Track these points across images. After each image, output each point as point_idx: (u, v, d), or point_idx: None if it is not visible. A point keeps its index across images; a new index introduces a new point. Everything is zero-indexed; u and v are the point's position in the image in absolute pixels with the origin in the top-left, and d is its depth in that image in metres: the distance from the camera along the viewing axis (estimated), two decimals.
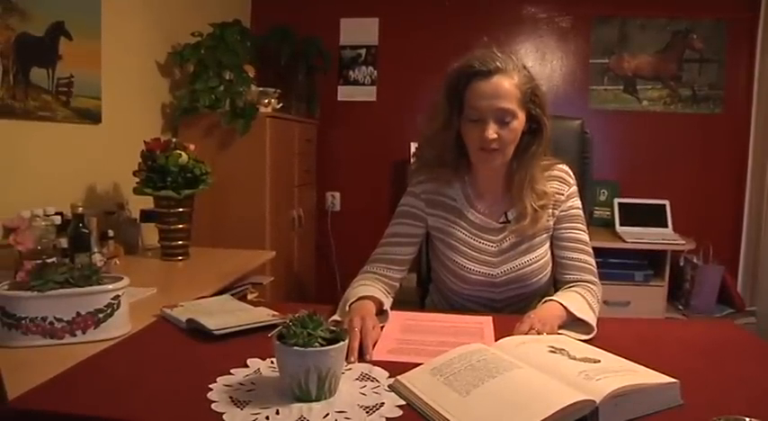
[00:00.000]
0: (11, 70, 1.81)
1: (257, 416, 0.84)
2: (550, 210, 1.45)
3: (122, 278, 1.25)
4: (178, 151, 2.03)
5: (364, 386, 0.96)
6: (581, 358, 1.00)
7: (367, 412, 0.86)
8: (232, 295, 1.53)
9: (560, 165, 1.48)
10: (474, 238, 1.46)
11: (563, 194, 1.46)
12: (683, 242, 3.01)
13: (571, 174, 1.48)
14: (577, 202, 1.48)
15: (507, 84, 1.33)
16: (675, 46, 3.36)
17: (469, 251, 1.46)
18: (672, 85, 3.38)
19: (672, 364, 0.98)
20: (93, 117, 2.19)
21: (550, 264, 1.49)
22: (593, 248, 1.47)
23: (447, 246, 1.48)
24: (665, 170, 3.41)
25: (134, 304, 1.35)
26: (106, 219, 2.11)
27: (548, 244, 1.48)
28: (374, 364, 1.04)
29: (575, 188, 1.48)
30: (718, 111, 3.37)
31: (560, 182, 1.46)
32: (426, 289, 1.76)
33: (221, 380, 0.96)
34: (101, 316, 1.20)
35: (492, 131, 1.33)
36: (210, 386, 0.93)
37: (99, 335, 1.19)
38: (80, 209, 1.65)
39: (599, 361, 0.99)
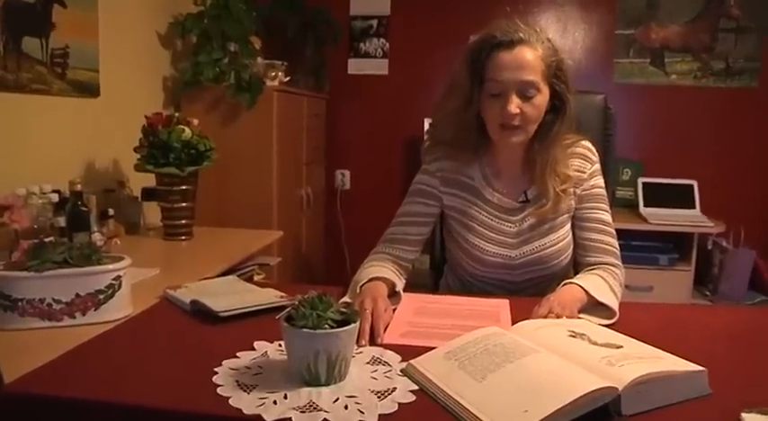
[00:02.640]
0: (0, 39, 1.79)
1: (265, 400, 0.85)
2: (572, 190, 1.44)
3: (123, 258, 1.25)
4: (181, 126, 2.03)
5: (375, 370, 0.96)
6: (602, 343, 0.99)
7: (378, 397, 0.87)
8: (238, 276, 1.54)
9: (583, 142, 1.46)
10: (491, 218, 1.46)
11: (585, 172, 1.44)
12: (712, 224, 2.98)
13: (594, 151, 1.47)
14: (600, 181, 1.47)
15: (531, 55, 1.32)
16: (709, 14, 3.28)
17: (487, 232, 1.46)
18: (703, 58, 3.32)
19: (699, 352, 0.97)
20: (90, 90, 2.19)
21: (571, 246, 1.48)
22: (616, 230, 1.46)
23: (463, 226, 1.48)
24: (694, 148, 3.37)
25: (136, 285, 1.36)
26: (106, 197, 2.12)
27: (568, 225, 1.47)
28: (386, 348, 1.05)
29: (598, 166, 1.47)
30: (754, 85, 3.30)
31: (582, 159, 1.45)
32: (440, 270, 1.76)
33: (227, 363, 0.97)
34: (101, 297, 1.21)
35: (514, 106, 1.31)
36: (216, 369, 0.94)
37: (99, 317, 1.20)
38: (78, 186, 1.66)
39: (621, 346, 0.98)
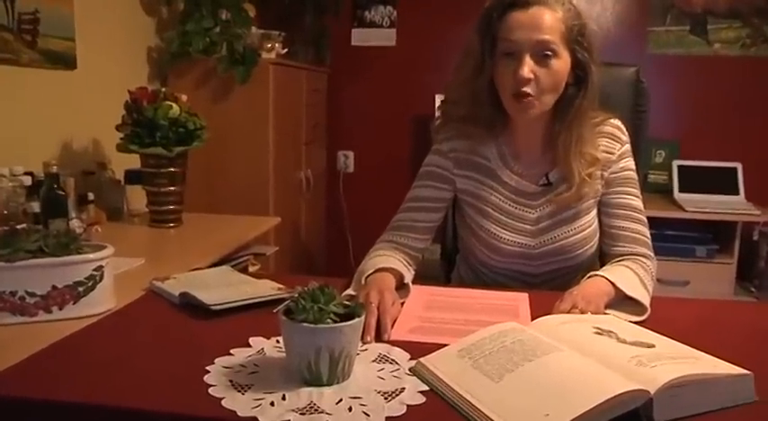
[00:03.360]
0: None
1: (261, 401, 0.85)
2: (599, 172, 1.44)
3: (105, 247, 1.26)
4: (168, 102, 2.03)
5: (382, 369, 0.97)
6: (632, 342, 1.00)
7: (385, 398, 0.87)
8: (231, 267, 1.54)
9: (611, 120, 1.46)
10: (509, 204, 1.46)
11: (613, 154, 1.44)
12: (758, 212, 2.95)
13: (624, 129, 1.46)
14: (630, 163, 1.46)
15: (549, 16, 1.31)
16: None
17: (504, 218, 1.46)
18: (754, 23, 3.23)
19: (742, 354, 0.95)
20: (65, 61, 2.19)
21: (597, 235, 1.48)
22: (647, 218, 1.46)
23: (478, 211, 1.48)
24: (738, 127, 3.33)
25: (119, 276, 1.37)
26: (85, 180, 2.13)
27: (594, 211, 1.47)
28: (393, 345, 1.05)
29: (628, 146, 1.46)
30: None
31: (611, 139, 1.44)
32: (452, 261, 1.77)
33: (220, 361, 0.97)
34: (81, 289, 1.21)
35: (527, 69, 1.30)
36: (208, 368, 0.95)
37: (79, 311, 1.21)
38: (54, 168, 1.66)
39: (653, 345, 0.98)
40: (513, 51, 1.32)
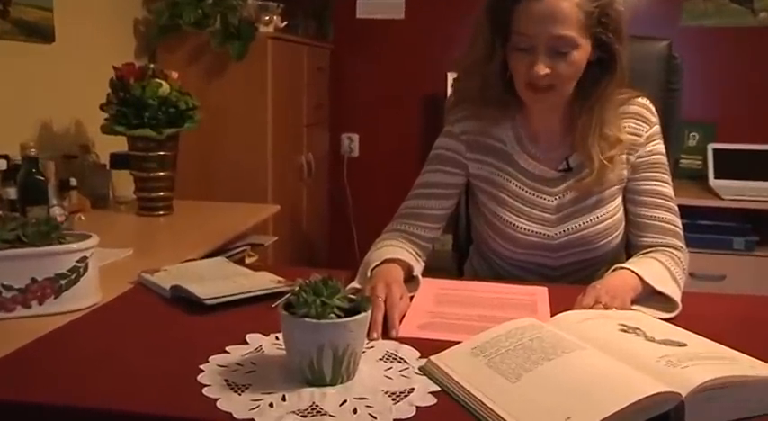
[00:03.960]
0: None
1: (259, 402, 0.86)
2: (624, 156, 1.43)
3: (90, 236, 1.26)
4: (157, 80, 2.03)
5: (390, 368, 0.97)
6: (661, 340, 0.99)
7: (393, 399, 0.88)
8: (227, 258, 1.55)
9: (639, 99, 1.45)
10: (527, 190, 1.46)
11: (641, 136, 1.44)
12: None
13: (653, 110, 1.46)
14: (660, 146, 1.46)
15: (566, 4, 1.29)
16: None
17: (521, 206, 1.46)
18: None
19: None
20: (42, 34, 2.18)
21: (623, 224, 1.48)
22: (679, 206, 1.45)
23: (493, 199, 1.48)
24: None
25: (105, 268, 1.38)
26: (67, 164, 2.14)
27: (619, 198, 1.47)
28: (402, 342, 1.06)
29: (657, 128, 1.46)
30: None
31: (638, 120, 1.44)
32: (465, 252, 1.77)
33: (215, 359, 0.98)
34: (63, 283, 1.21)
35: (543, 66, 1.30)
36: (202, 367, 0.95)
37: (61, 306, 1.21)
38: (33, 151, 1.67)
39: (685, 344, 0.98)
40: (526, 47, 1.31)
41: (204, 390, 0.89)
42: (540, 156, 1.46)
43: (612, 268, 1.31)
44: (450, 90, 1.59)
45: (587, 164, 1.41)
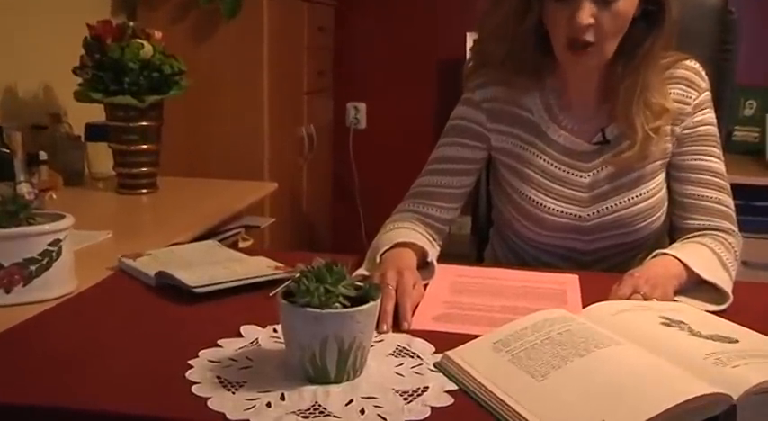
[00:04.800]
0: None
1: (255, 402, 0.86)
2: (669, 127, 1.43)
3: (63, 216, 1.26)
4: (138, 40, 2.03)
5: (401, 364, 0.97)
6: (709, 335, 0.99)
7: (405, 399, 0.88)
8: (219, 242, 1.55)
9: (687, 62, 1.44)
10: (557, 166, 1.45)
11: (688, 104, 1.43)
12: None
13: (703, 74, 1.45)
14: (710, 116, 1.45)
15: None
16: None
17: (550, 183, 1.46)
18: None
19: None
20: None
21: (665, 204, 1.48)
22: (731, 185, 1.45)
23: (517, 175, 1.48)
24: None
25: (81, 253, 1.37)
26: (35, 135, 2.14)
27: (662, 175, 1.47)
28: (415, 335, 1.06)
29: (707, 95, 1.45)
30: None
31: (686, 85, 1.43)
32: (486, 236, 1.77)
33: (205, 354, 0.98)
34: (33, 268, 1.21)
35: (586, 14, 1.29)
36: (191, 362, 0.95)
37: (31, 295, 1.21)
38: None
39: (736, 341, 0.98)
40: None
41: (194, 388, 0.89)
42: (572, 126, 1.46)
43: (653, 254, 1.31)
44: (469, 53, 1.58)
45: (628, 135, 1.40)
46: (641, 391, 0.83)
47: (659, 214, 1.47)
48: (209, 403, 0.85)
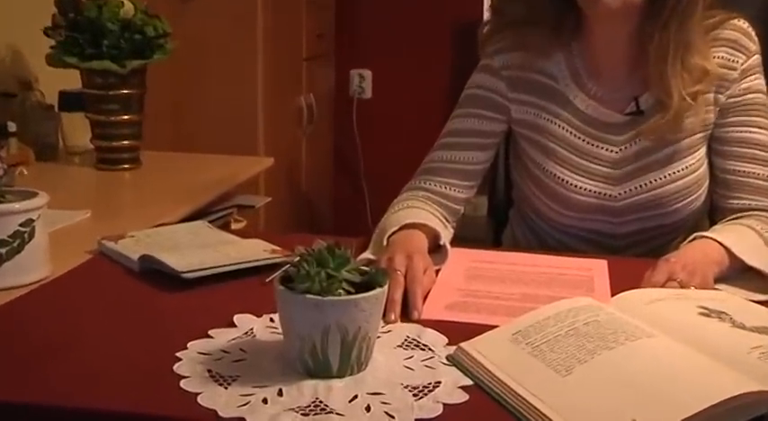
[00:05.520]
0: None
1: (250, 397, 0.86)
2: (712, 95, 1.42)
3: (37, 194, 1.25)
4: None
5: (411, 357, 0.97)
6: (753, 327, 1.00)
7: (415, 395, 0.88)
8: (209, 222, 1.56)
9: (734, 22, 1.44)
10: (584, 139, 1.46)
11: (735, 69, 1.42)
12: None
13: (753, 35, 1.44)
14: (759, 82, 1.45)
15: None
16: None
17: (576, 158, 1.46)
18: None
19: None
20: None
21: (706, 182, 1.48)
22: None
23: (540, 150, 1.48)
24: None
25: (57, 234, 1.38)
26: (3, 104, 2.14)
27: (703, 149, 1.46)
28: (426, 325, 1.06)
29: (757, 58, 1.44)
30: None
31: (732, 48, 1.43)
32: (504, 217, 1.78)
33: (195, 345, 0.99)
34: (3, 251, 1.21)
35: None
36: (178, 354, 0.96)
37: (1, 281, 1.21)
38: None
39: None
40: None
41: (182, 383, 0.89)
42: (601, 95, 1.45)
43: (691, 237, 1.31)
44: (486, 14, 1.58)
45: (664, 102, 1.40)
46: (677, 389, 0.84)
47: (699, 193, 1.47)
48: (199, 399, 0.86)
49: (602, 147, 1.45)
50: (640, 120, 1.44)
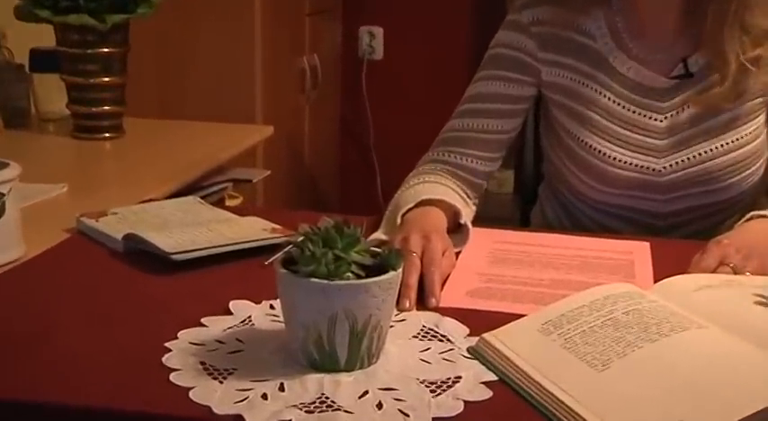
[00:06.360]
0: None
1: (248, 393, 0.87)
2: None
3: (7, 164, 1.26)
4: None
5: (428, 348, 0.98)
6: None
7: (433, 391, 0.88)
8: (201, 198, 1.56)
9: None
10: (625, 105, 1.46)
11: None
12: None
13: None
14: None
15: None
16: None
17: (616, 127, 1.46)
18: None
19: None
20: None
21: (765, 154, 1.48)
22: None
23: (575, 117, 1.48)
24: None
25: (30, 210, 1.39)
26: None
27: (762, 118, 1.47)
28: (445, 313, 1.07)
29: None
30: None
31: None
32: (532, 194, 1.78)
33: (186, 335, 0.99)
34: None
35: None
36: (168, 345, 0.97)
37: None
38: None
39: None
40: None
41: (172, 377, 0.90)
42: (645, 56, 1.45)
43: (747, 216, 1.31)
44: None
45: (718, 66, 1.40)
46: (730, 386, 0.84)
47: (756, 167, 1.47)
48: (191, 394, 0.86)
49: (646, 115, 1.45)
50: (689, 83, 1.44)
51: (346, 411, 0.84)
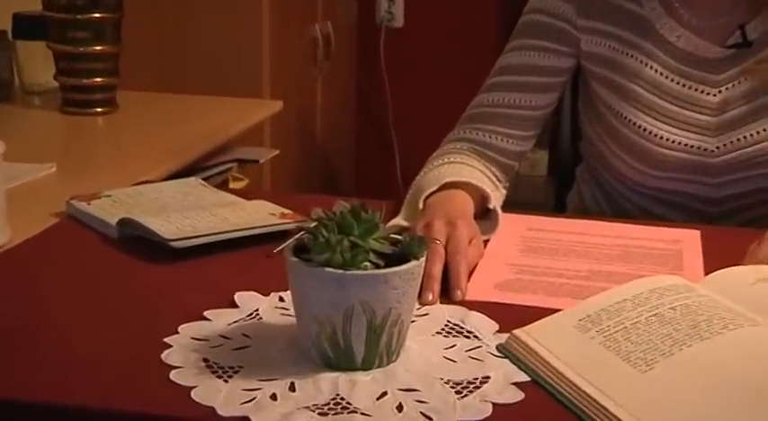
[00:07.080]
0: None
1: (256, 393, 0.87)
2: None
3: None
4: None
5: (453, 346, 0.99)
6: None
7: (458, 393, 0.89)
8: (203, 180, 1.57)
9: None
10: (674, 78, 1.46)
11: None
12: None
13: None
14: None
15: None
16: None
17: (663, 103, 1.46)
18: None
19: None
20: None
21: None
22: None
23: (618, 92, 1.48)
24: None
25: (15, 192, 1.40)
26: None
27: None
28: (471, 307, 1.07)
29: None
30: None
31: None
32: (569, 177, 1.79)
33: (187, 329, 1.00)
34: None
35: None
36: (168, 340, 0.97)
37: None
38: None
39: None
40: None
41: (172, 375, 0.91)
42: (698, 23, 1.45)
43: None
44: None
45: None
46: None
47: None
48: (193, 394, 0.87)
49: (698, 89, 1.45)
50: (746, 53, 1.44)
51: (363, 413, 0.85)
